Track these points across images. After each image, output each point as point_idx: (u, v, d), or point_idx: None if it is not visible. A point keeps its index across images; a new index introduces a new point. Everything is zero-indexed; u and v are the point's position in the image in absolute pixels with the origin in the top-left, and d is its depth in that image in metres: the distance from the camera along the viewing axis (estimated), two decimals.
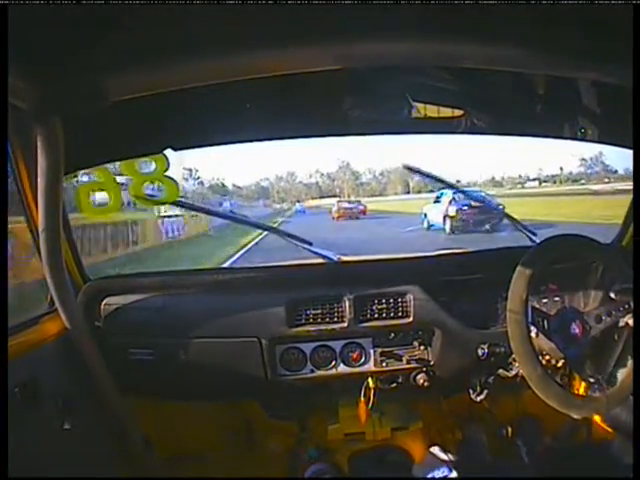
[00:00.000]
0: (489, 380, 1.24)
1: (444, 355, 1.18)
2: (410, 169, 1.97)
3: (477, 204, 7.55)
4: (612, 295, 1.03)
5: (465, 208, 8.39)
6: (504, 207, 1.56)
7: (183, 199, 1.16)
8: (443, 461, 0.86)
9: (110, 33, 0.58)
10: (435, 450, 0.89)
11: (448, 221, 8.95)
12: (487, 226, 7.65)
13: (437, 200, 9.71)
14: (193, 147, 1.17)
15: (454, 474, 0.84)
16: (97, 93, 0.65)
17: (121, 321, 1.16)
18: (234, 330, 1.15)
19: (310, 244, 1.26)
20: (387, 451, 1.37)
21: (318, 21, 0.57)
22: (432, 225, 9.97)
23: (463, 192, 1.90)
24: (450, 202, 8.77)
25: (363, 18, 0.56)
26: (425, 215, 10.45)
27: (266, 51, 0.62)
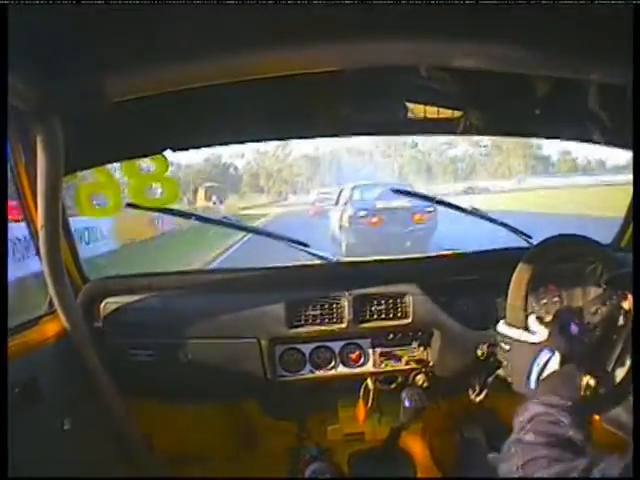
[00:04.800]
0: (488, 380, 1.24)
1: (443, 356, 1.18)
2: (398, 192, 1.83)
3: (387, 206, 4.42)
4: (610, 291, 1.03)
5: (363, 213, 4.77)
6: (435, 209, 1.36)
7: None
8: None
9: (110, 33, 0.58)
10: None
11: (343, 234, 5.15)
12: (408, 242, 4.66)
13: (337, 200, 5.79)
14: (193, 147, 1.17)
15: None
16: (97, 93, 0.65)
17: (121, 321, 1.16)
18: (233, 331, 1.15)
19: (306, 246, 1.26)
20: (387, 451, 1.37)
21: (318, 21, 0.57)
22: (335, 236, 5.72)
23: (372, 185, 1.58)
24: (346, 202, 5.20)
25: (363, 18, 0.56)
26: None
27: (266, 51, 0.62)
